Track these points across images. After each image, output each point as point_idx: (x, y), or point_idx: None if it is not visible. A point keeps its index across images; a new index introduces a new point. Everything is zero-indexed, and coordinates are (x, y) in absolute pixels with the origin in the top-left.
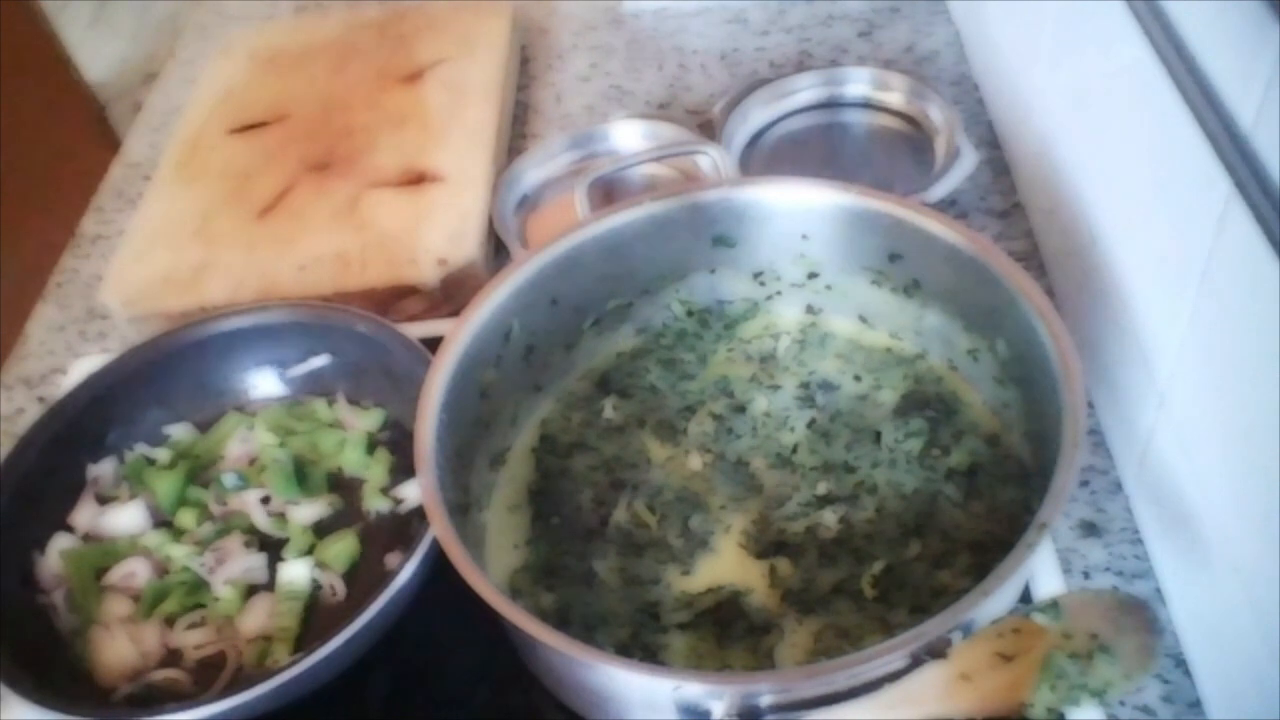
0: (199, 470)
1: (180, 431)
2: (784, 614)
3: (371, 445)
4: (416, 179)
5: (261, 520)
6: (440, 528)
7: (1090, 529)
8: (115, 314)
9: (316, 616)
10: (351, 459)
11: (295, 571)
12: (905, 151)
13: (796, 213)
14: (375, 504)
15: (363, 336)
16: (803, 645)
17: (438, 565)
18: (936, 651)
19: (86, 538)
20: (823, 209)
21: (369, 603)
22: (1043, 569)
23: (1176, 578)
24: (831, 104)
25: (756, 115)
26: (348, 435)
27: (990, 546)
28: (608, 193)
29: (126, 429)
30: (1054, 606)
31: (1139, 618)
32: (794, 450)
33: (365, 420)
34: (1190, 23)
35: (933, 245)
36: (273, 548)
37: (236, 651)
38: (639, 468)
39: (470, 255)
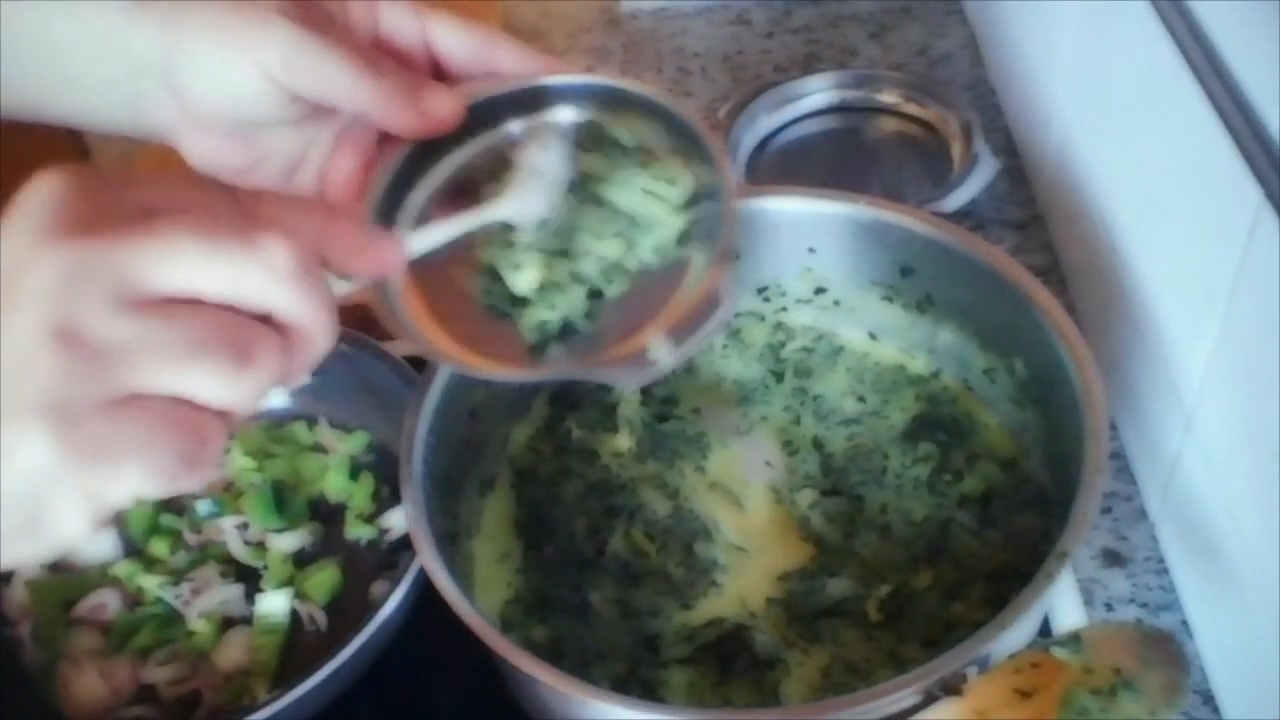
0: (172, 496)
1: None
2: (790, 647)
3: (355, 470)
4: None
5: (238, 549)
6: (427, 557)
7: (1113, 558)
8: None
9: (296, 651)
10: (334, 484)
11: (274, 603)
12: (918, 159)
13: (803, 224)
14: (359, 532)
15: (345, 355)
16: (809, 681)
17: (425, 596)
18: (951, 688)
19: (54, 567)
20: (830, 220)
21: (352, 636)
22: (1063, 600)
23: (1204, 610)
24: (840, 109)
25: (762, 121)
26: (330, 459)
27: (1007, 576)
28: None
29: None
30: (1075, 640)
31: (1164, 651)
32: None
33: (348, 444)
34: (1219, 25)
35: (947, 259)
36: (250, 578)
37: (212, 688)
38: (632, 492)
39: None
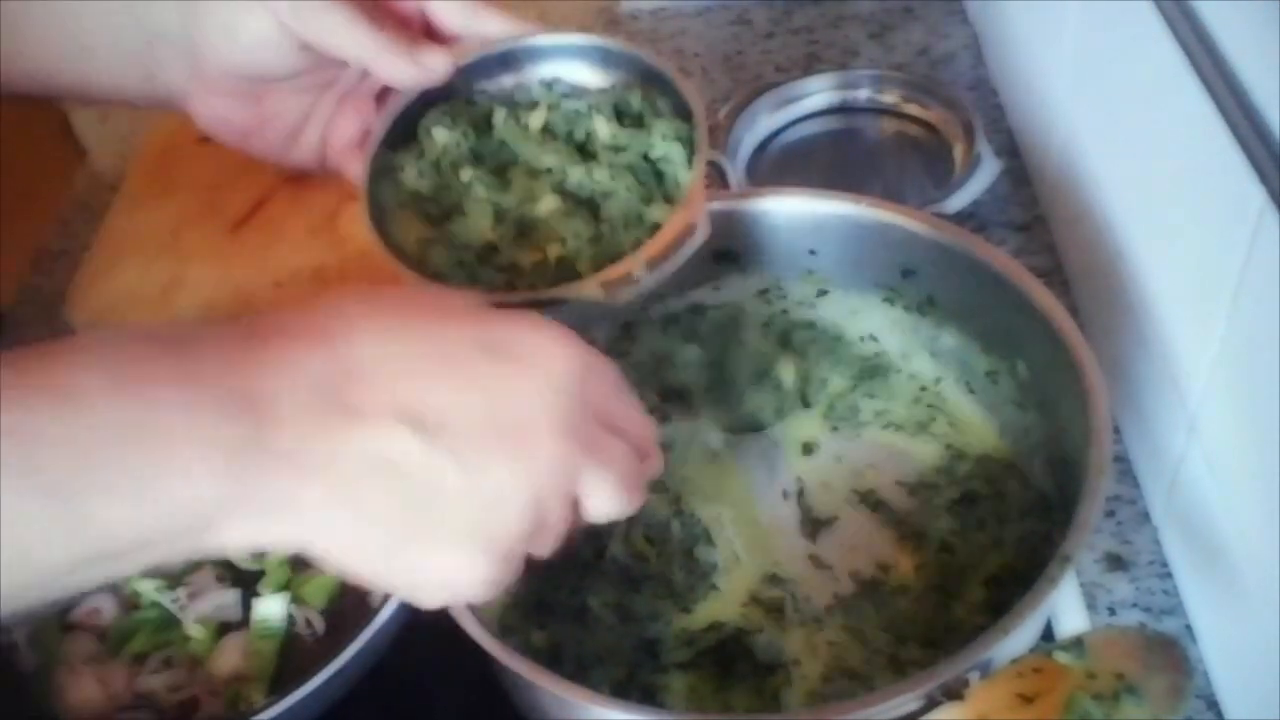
0: None
1: None
2: (791, 652)
3: None
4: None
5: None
6: None
7: (1116, 562)
8: (81, 333)
9: (293, 656)
10: None
11: (271, 608)
12: (920, 160)
13: (804, 226)
14: None
15: None
16: (810, 686)
17: None
18: (953, 693)
19: None
20: (832, 222)
21: (349, 641)
22: (1065, 605)
23: (1208, 614)
24: (841, 110)
25: (762, 122)
26: None
27: (1008, 581)
28: None
29: None
30: (1078, 644)
31: (1168, 656)
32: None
33: None
34: (1222, 25)
35: (949, 260)
36: (247, 582)
37: (209, 694)
38: None
39: None
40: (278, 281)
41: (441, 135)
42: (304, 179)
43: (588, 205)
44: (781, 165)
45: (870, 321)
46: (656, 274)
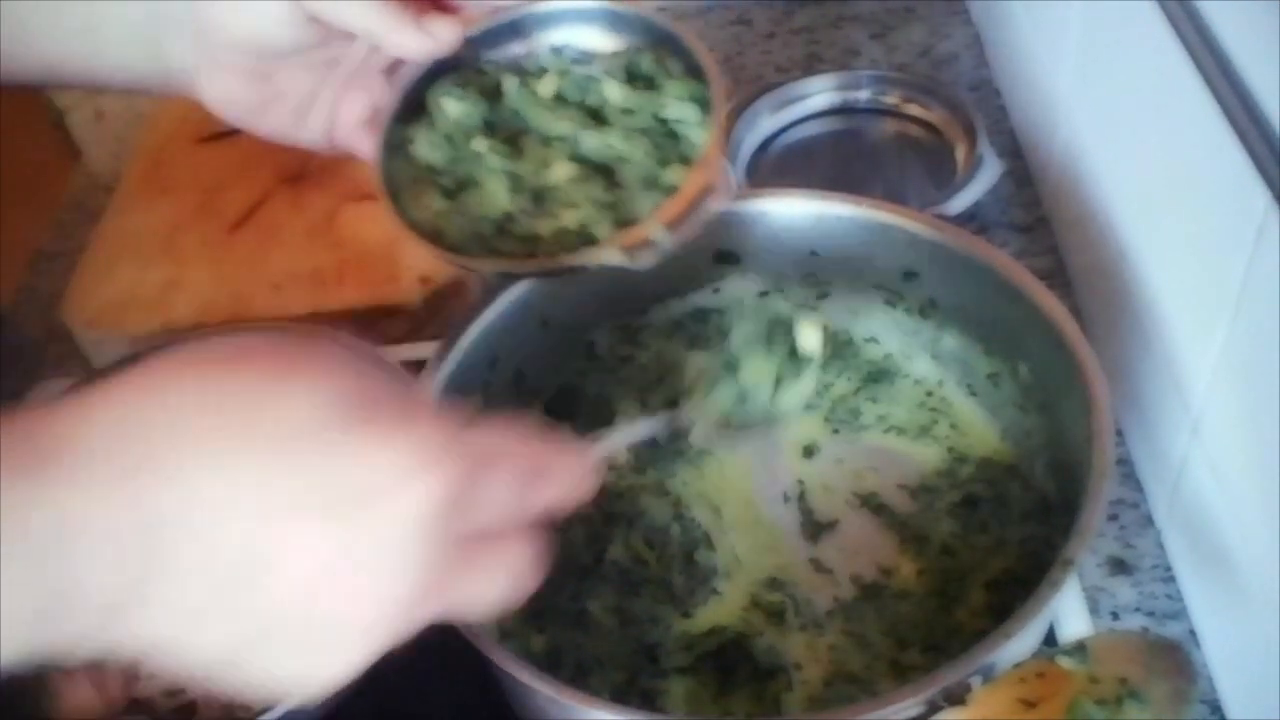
0: None
1: None
2: (791, 656)
3: None
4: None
5: None
6: None
7: (1119, 566)
8: (77, 336)
9: None
10: None
11: None
12: (921, 161)
13: (805, 227)
14: None
15: None
16: (811, 691)
17: None
18: (955, 698)
19: None
20: (833, 223)
21: None
22: (1068, 609)
23: (1212, 618)
24: (842, 110)
25: (763, 123)
26: None
27: (1010, 585)
28: None
29: None
30: (1080, 649)
31: (1171, 661)
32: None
33: None
34: (1226, 25)
35: (951, 262)
36: None
37: (207, 699)
38: (631, 499)
39: (455, 272)
40: (275, 283)
41: (452, 106)
42: (302, 180)
43: (603, 171)
44: (782, 166)
45: (871, 324)
46: (677, 236)
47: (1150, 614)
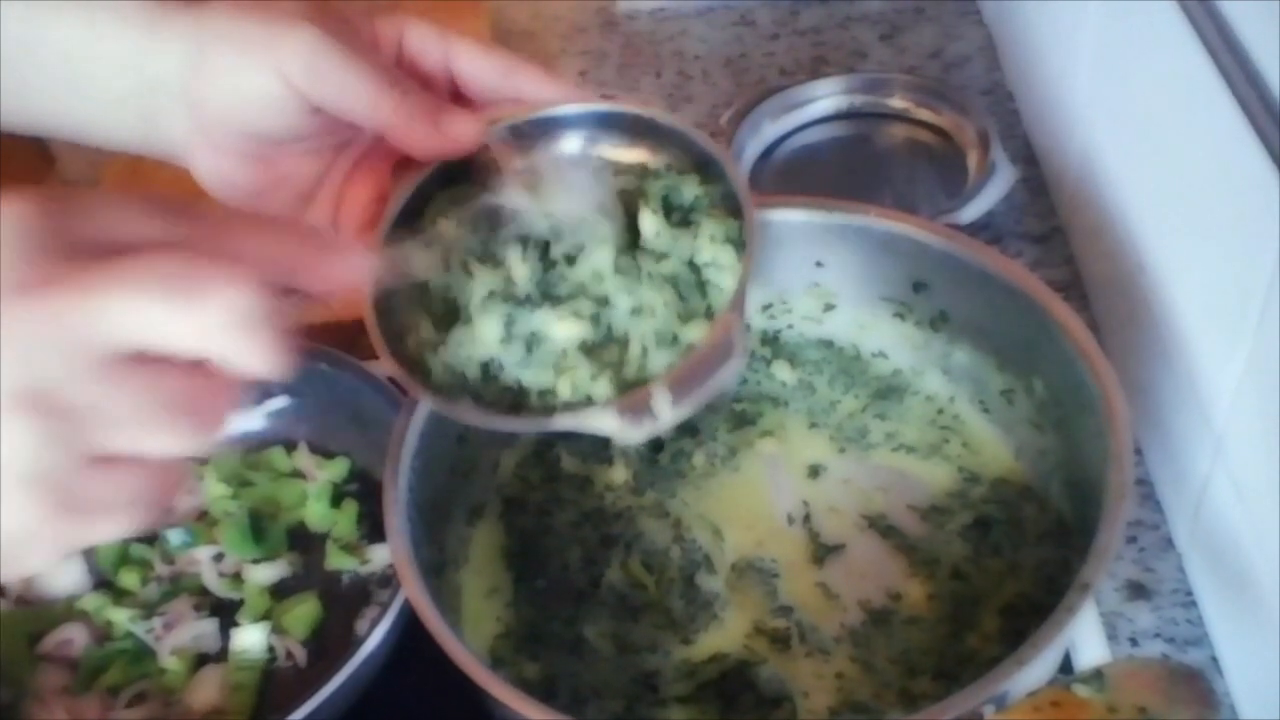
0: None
1: None
2: (797, 684)
3: (337, 497)
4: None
5: (213, 581)
6: (413, 590)
7: (1138, 590)
8: None
9: (274, 688)
10: (314, 512)
11: (250, 638)
12: (932, 168)
13: (810, 237)
14: (340, 563)
15: (326, 375)
16: None
17: (410, 631)
18: None
19: (19, 600)
20: (839, 233)
21: (333, 673)
22: (1085, 635)
23: (1234, 645)
24: (849, 115)
25: (766, 128)
26: (310, 486)
27: (1025, 610)
28: None
29: None
30: (1098, 677)
31: (1193, 689)
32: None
33: (329, 470)
34: (1249, 26)
35: (962, 273)
36: (226, 612)
37: None
38: (629, 521)
39: None
40: None
41: (448, 227)
42: None
43: (616, 340)
44: (787, 173)
45: (880, 337)
46: (680, 409)
47: (1170, 640)
